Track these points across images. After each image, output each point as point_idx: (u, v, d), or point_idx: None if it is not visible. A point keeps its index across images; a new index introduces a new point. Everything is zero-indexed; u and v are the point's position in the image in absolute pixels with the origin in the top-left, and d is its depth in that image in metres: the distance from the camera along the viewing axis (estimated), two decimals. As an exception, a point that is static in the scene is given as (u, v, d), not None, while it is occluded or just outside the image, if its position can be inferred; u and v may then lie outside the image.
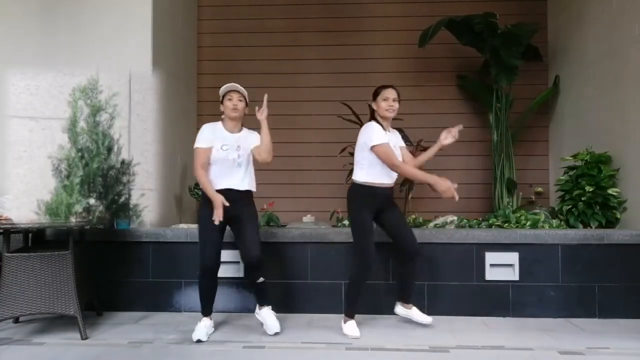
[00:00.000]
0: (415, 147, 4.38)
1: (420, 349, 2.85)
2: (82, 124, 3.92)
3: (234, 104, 3.06)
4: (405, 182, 4.34)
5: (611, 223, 4.01)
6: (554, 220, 4.07)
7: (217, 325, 3.34)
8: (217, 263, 3.02)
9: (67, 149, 3.90)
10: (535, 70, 5.29)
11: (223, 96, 3.13)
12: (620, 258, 3.55)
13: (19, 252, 3.03)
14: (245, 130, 3.19)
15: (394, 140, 3.22)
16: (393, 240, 3.20)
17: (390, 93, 3.18)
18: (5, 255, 2.97)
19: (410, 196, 4.38)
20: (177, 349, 2.85)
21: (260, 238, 3.11)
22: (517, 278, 3.58)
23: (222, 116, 3.16)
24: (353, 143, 4.37)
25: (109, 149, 3.92)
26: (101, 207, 3.89)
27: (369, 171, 3.10)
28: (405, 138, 4.34)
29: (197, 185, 4.76)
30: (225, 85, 3.12)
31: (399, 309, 3.34)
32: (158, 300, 3.71)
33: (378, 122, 3.18)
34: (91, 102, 3.94)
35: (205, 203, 3.03)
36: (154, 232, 3.76)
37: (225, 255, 3.69)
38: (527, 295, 3.58)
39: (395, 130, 3.33)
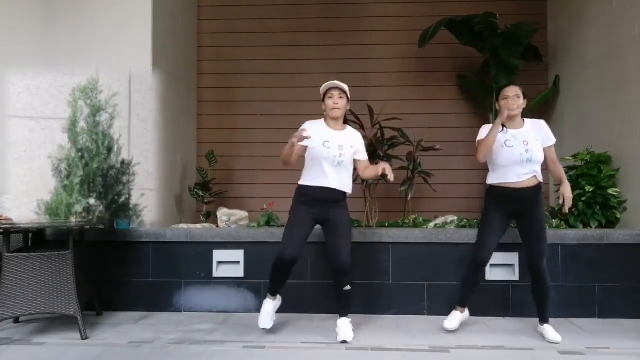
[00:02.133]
0: (415, 147, 4.38)
1: (420, 349, 2.85)
2: (82, 124, 3.92)
3: (334, 102, 2.99)
4: (405, 182, 4.34)
5: (611, 223, 4.01)
6: (554, 220, 4.07)
7: (217, 325, 3.34)
8: (296, 256, 2.91)
9: (67, 149, 3.90)
10: (535, 70, 5.29)
11: (324, 94, 3.05)
12: (620, 258, 3.55)
13: (19, 252, 3.03)
14: (349, 129, 3.13)
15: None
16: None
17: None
18: (5, 255, 2.97)
19: (410, 196, 4.37)
20: (177, 349, 2.85)
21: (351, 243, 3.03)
22: (517, 278, 3.59)
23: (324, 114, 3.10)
24: (353, 143, 4.39)
25: (109, 149, 3.92)
26: (101, 207, 3.89)
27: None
28: (404, 137, 4.35)
29: (197, 185, 4.77)
30: (325, 84, 3.04)
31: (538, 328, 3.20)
32: (158, 300, 3.71)
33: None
34: (91, 102, 3.94)
35: (297, 199, 3.03)
36: (154, 232, 3.76)
37: (226, 255, 3.70)
38: (527, 295, 3.56)
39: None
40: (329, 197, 2.98)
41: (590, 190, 3.99)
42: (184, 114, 5.07)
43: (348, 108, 3.09)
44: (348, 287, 2.99)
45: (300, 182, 3.06)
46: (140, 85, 4.13)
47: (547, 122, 5.32)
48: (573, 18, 4.88)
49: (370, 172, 3.07)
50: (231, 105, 5.45)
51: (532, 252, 3.03)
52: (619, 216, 4.00)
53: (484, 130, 3.14)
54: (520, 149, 2.99)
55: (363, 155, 3.13)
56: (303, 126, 3.01)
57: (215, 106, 5.48)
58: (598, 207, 3.99)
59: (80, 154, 3.88)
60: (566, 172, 4.35)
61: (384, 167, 2.88)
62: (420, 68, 5.37)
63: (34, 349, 2.84)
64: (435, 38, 4.69)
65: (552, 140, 3.14)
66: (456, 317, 3.21)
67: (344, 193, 3.04)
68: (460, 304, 3.25)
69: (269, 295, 3.13)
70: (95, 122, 3.92)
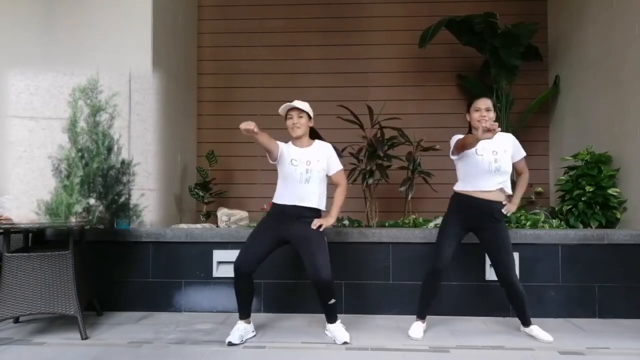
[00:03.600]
0: (415, 147, 4.38)
1: (420, 349, 2.85)
2: (82, 124, 3.92)
3: (293, 122, 3.02)
4: (405, 182, 4.34)
5: (611, 223, 4.01)
6: (554, 220, 4.07)
7: (217, 325, 3.34)
8: (246, 267, 2.91)
9: (67, 149, 3.90)
10: (535, 70, 5.29)
11: (285, 116, 3.08)
12: (620, 258, 3.55)
13: (19, 252, 3.02)
14: (317, 143, 3.13)
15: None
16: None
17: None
18: (5, 255, 2.97)
19: (410, 196, 4.37)
20: (177, 349, 2.85)
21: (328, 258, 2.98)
22: (517, 278, 3.58)
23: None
24: (353, 143, 4.40)
25: (109, 149, 3.91)
26: (101, 207, 3.88)
27: None
28: (404, 137, 4.35)
29: (197, 185, 4.77)
30: (282, 106, 3.05)
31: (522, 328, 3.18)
32: (158, 300, 3.71)
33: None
34: (91, 102, 3.93)
35: (268, 213, 3.09)
36: (154, 232, 3.76)
37: (226, 255, 3.70)
38: (527, 295, 3.56)
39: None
40: (298, 214, 2.98)
41: (590, 190, 3.99)
42: (184, 114, 5.07)
43: (311, 125, 3.10)
44: (332, 301, 2.97)
45: (273, 200, 3.10)
46: (140, 85, 4.13)
47: (547, 122, 5.39)
48: (573, 18, 4.89)
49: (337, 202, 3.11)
50: (231, 105, 5.45)
51: (502, 267, 2.98)
52: (619, 216, 4.00)
53: (455, 139, 3.09)
54: (490, 158, 2.99)
55: (336, 167, 3.11)
56: (281, 144, 3.08)
57: (215, 106, 5.48)
58: (598, 207, 4.00)
59: (80, 154, 3.87)
60: (566, 172, 4.38)
61: (320, 224, 2.96)
62: (420, 68, 5.37)
63: (34, 349, 2.84)
64: (436, 38, 4.69)
65: (522, 153, 3.14)
66: (420, 328, 3.12)
67: (315, 210, 3.02)
68: (420, 315, 3.15)
69: (240, 320, 3.03)
70: (95, 122, 3.91)
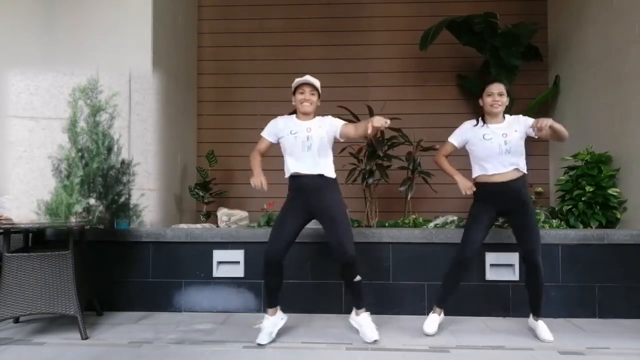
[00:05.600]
0: (415, 146, 4.38)
1: (420, 349, 2.85)
2: (82, 124, 3.92)
3: (305, 97, 2.98)
4: (405, 182, 4.34)
5: (611, 223, 4.01)
6: (554, 220, 4.07)
7: (217, 325, 3.34)
8: (277, 252, 2.89)
9: (67, 149, 3.90)
10: (535, 70, 5.29)
11: (295, 89, 3.03)
12: (620, 258, 3.55)
13: (19, 252, 3.03)
14: (317, 117, 3.07)
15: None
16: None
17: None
18: (5, 255, 2.97)
19: (410, 196, 4.37)
20: (177, 349, 2.85)
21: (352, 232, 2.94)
22: (517, 278, 3.58)
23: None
24: (353, 143, 4.39)
25: (109, 149, 3.91)
26: (101, 207, 3.88)
27: None
28: (404, 137, 4.35)
29: (197, 185, 4.76)
30: (297, 79, 3.02)
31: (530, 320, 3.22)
32: (158, 300, 3.71)
33: None
34: (91, 102, 3.93)
35: (288, 193, 3.03)
36: (154, 232, 3.76)
37: (226, 255, 3.70)
38: (527, 295, 3.57)
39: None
40: (309, 184, 2.94)
41: (590, 190, 3.99)
42: (184, 114, 5.07)
43: (318, 104, 3.06)
44: (358, 278, 2.93)
45: (286, 176, 3.06)
46: (140, 85, 4.13)
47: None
48: (573, 18, 4.89)
49: (360, 129, 2.90)
50: (231, 105, 5.45)
51: (527, 247, 2.99)
52: (619, 216, 4.00)
53: (458, 131, 3.20)
54: (499, 140, 3.01)
55: (337, 122, 3.04)
56: (273, 121, 3.08)
57: (215, 106, 5.48)
58: (598, 207, 3.99)
59: (80, 154, 3.87)
60: (566, 172, 4.38)
61: (372, 122, 2.68)
62: (420, 68, 5.37)
63: (34, 349, 2.84)
64: (436, 38, 4.69)
65: (531, 120, 3.06)
66: (435, 321, 3.13)
67: (325, 177, 2.96)
68: (439, 304, 3.18)
69: (268, 310, 3.04)
70: (95, 122, 3.91)
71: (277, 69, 5.40)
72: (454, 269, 3.10)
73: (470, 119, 3.27)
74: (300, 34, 5.45)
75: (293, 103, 3.06)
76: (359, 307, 3.05)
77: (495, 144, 3.01)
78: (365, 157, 4.30)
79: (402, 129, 4.35)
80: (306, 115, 3.02)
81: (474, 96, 5.24)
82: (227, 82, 5.48)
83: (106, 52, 4.07)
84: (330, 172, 3.00)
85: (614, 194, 3.97)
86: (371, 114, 4.38)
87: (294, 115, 3.09)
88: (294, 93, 3.04)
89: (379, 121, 2.64)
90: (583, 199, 4.02)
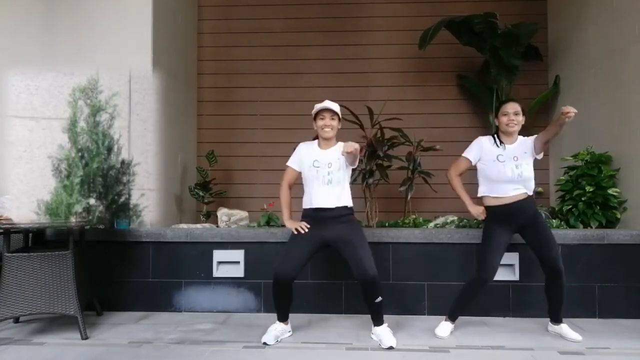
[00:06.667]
0: (415, 147, 4.38)
1: (420, 349, 2.85)
2: (82, 124, 3.92)
3: (325, 123, 3.00)
4: (405, 182, 4.34)
5: (611, 223, 4.01)
6: (554, 220, 4.07)
7: (217, 325, 3.34)
8: (289, 274, 2.88)
9: (67, 149, 3.90)
10: (535, 70, 5.29)
11: (315, 115, 3.07)
12: (620, 258, 3.55)
13: (19, 252, 3.03)
14: (339, 144, 3.10)
15: None
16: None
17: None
18: (5, 255, 2.97)
19: (410, 196, 4.37)
20: (177, 349, 2.85)
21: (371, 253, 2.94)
22: (517, 278, 3.58)
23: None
24: (353, 143, 4.39)
25: (109, 149, 3.91)
26: (101, 207, 3.88)
27: None
28: (404, 137, 4.35)
29: (197, 185, 4.76)
30: (317, 105, 3.04)
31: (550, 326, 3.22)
32: (158, 300, 3.71)
33: None
34: (91, 102, 3.93)
35: (302, 219, 3.07)
36: (154, 232, 3.76)
37: (226, 255, 3.70)
38: (527, 295, 3.58)
39: None
40: (328, 216, 2.98)
41: (590, 190, 3.99)
42: (184, 114, 5.07)
43: (339, 127, 3.10)
44: (379, 299, 2.92)
45: (303, 206, 3.10)
46: (140, 85, 4.13)
47: (547, 122, 5.37)
48: (573, 18, 4.88)
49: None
50: (231, 105, 5.45)
51: (549, 255, 2.99)
52: (619, 216, 4.00)
53: (475, 147, 3.18)
54: (511, 164, 3.03)
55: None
56: (297, 149, 3.13)
57: (215, 106, 5.48)
58: (598, 207, 3.99)
59: (80, 154, 3.87)
60: (566, 172, 4.38)
61: (345, 147, 2.81)
62: (420, 68, 5.37)
63: (34, 349, 2.84)
64: (436, 38, 4.69)
65: (534, 136, 3.15)
66: (447, 327, 3.15)
67: (345, 207, 3.01)
68: (452, 317, 3.18)
69: (277, 319, 3.09)
70: (95, 122, 3.91)
71: (277, 69, 5.40)
72: (472, 287, 3.10)
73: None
74: (300, 34, 5.45)
75: (315, 128, 3.10)
76: (378, 324, 3.03)
77: (508, 169, 3.02)
78: (365, 157, 4.30)
79: (402, 129, 4.34)
80: (327, 140, 3.06)
81: (474, 96, 5.27)
82: (227, 82, 5.48)
83: (106, 52, 4.07)
84: (348, 201, 3.06)
85: (614, 194, 3.97)
86: (371, 114, 4.38)
87: (316, 142, 3.13)
88: (314, 119, 3.08)
89: (350, 146, 2.79)
90: (583, 199, 4.02)
